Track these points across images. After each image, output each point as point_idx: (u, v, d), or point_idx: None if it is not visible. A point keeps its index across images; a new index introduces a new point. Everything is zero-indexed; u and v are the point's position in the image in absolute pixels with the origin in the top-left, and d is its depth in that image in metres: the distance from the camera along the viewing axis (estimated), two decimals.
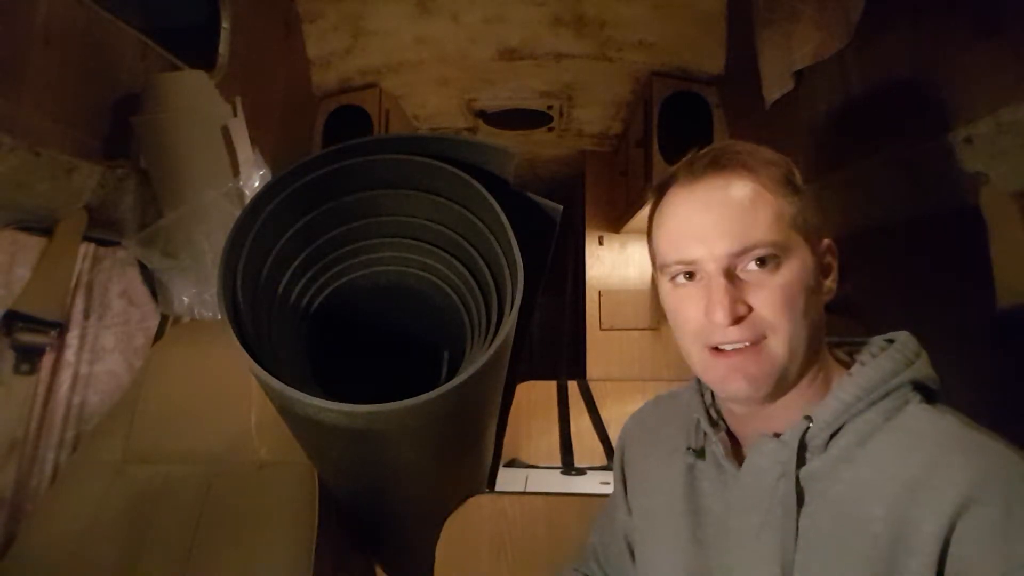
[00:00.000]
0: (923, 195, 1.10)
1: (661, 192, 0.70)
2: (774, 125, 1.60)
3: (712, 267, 0.63)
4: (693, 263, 0.64)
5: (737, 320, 0.62)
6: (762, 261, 0.62)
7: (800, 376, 0.64)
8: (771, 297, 0.61)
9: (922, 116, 1.07)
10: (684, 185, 0.66)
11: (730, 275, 0.62)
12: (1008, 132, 0.88)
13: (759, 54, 1.55)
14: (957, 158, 0.98)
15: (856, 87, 1.29)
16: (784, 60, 1.44)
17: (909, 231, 1.15)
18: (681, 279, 0.66)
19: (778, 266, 0.62)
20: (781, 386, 0.64)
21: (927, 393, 0.63)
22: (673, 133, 2.14)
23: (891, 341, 0.67)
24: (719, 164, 0.65)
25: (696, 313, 0.64)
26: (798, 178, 0.66)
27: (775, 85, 1.49)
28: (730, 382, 0.64)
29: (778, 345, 0.62)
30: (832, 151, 1.38)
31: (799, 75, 1.43)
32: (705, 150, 0.67)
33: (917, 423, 0.60)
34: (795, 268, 0.62)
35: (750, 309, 0.62)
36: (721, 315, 0.61)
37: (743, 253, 0.62)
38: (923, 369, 0.63)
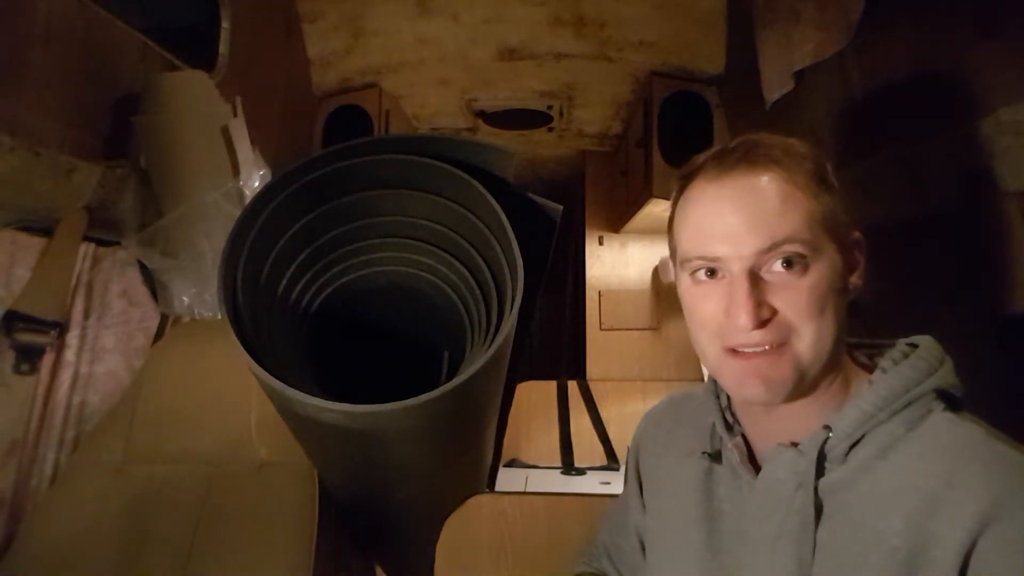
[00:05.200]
0: (923, 195, 1.10)
1: (686, 182, 0.66)
2: (774, 125, 1.60)
3: (737, 267, 0.60)
4: (717, 260, 0.62)
5: (761, 324, 0.59)
6: (789, 263, 0.59)
7: (820, 380, 0.63)
8: (798, 299, 0.59)
9: (922, 116, 1.07)
10: (712, 179, 0.63)
11: (755, 275, 0.60)
12: (1008, 132, 0.88)
13: (759, 54, 1.55)
14: (957, 158, 0.98)
15: (856, 87, 1.29)
16: (784, 60, 1.44)
17: (909, 231, 1.15)
18: (702, 275, 0.63)
19: (806, 268, 0.59)
20: (799, 389, 0.62)
21: (951, 401, 0.61)
22: (673, 133, 2.14)
23: (913, 346, 0.65)
24: (750, 159, 0.62)
25: (716, 312, 0.62)
26: (830, 173, 0.64)
27: (775, 85, 1.49)
28: (747, 386, 0.62)
29: (803, 348, 0.60)
30: (832, 151, 1.38)
31: (799, 75, 1.43)
32: (735, 143, 0.64)
33: (939, 433, 0.59)
34: (823, 270, 0.60)
35: (775, 312, 0.60)
36: (745, 319, 0.59)
37: (771, 251, 0.59)
38: (947, 376, 0.61)
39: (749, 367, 0.61)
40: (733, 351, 0.62)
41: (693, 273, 0.64)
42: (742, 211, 0.61)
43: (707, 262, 0.63)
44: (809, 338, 0.60)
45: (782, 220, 0.59)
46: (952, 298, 1.04)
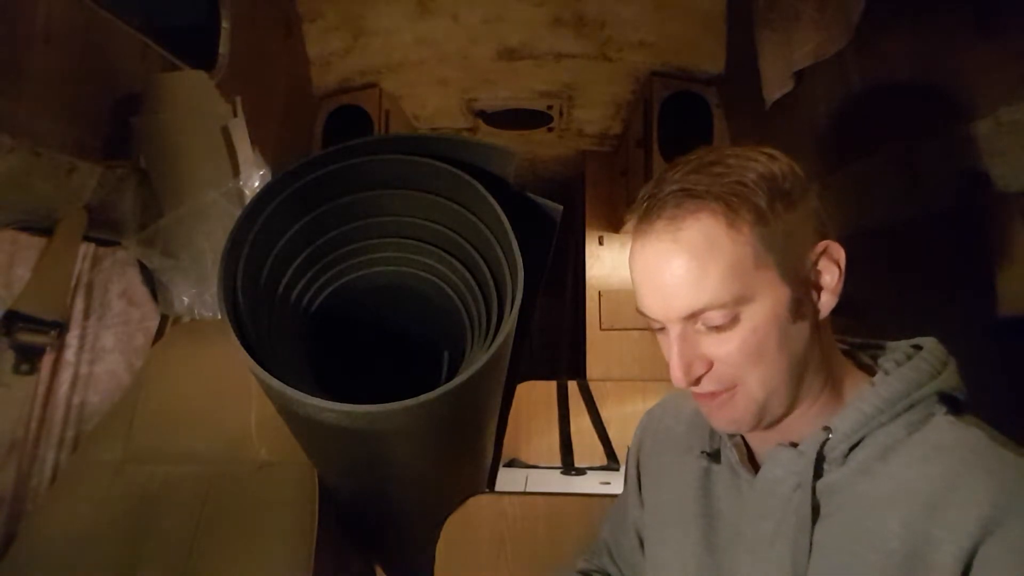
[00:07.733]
0: (923, 195, 1.10)
1: (630, 220, 0.65)
2: (774, 125, 1.60)
3: (669, 327, 0.61)
4: (655, 321, 0.63)
5: (696, 380, 0.61)
6: (712, 326, 0.59)
7: (794, 400, 0.62)
8: (731, 352, 0.59)
9: (922, 116, 1.07)
10: (641, 233, 0.62)
11: (687, 332, 0.60)
12: (1008, 132, 0.88)
13: (759, 54, 1.55)
14: (957, 158, 0.98)
15: (856, 87, 1.29)
16: (784, 60, 1.44)
17: (909, 231, 1.15)
18: (655, 324, 0.64)
19: (736, 321, 0.58)
20: (769, 418, 0.63)
21: (954, 404, 0.60)
22: (673, 133, 2.14)
23: (917, 347, 0.64)
24: (673, 205, 0.59)
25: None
26: (779, 189, 0.59)
27: (775, 85, 1.49)
28: (713, 420, 0.65)
29: (753, 389, 0.60)
30: (832, 151, 1.38)
31: (799, 75, 1.43)
32: (665, 182, 0.61)
33: (941, 436, 0.58)
34: (760, 312, 0.58)
35: (711, 364, 0.60)
36: (677, 377, 0.61)
37: (692, 317, 0.59)
38: (950, 379, 0.61)
39: (710, 406, 0.64)
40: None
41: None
42: (664, 272, 0.60)
43: (649, 319, 0.64)
44: (755, 381, 0.60)
45: (703, 279, 0.58)
46: (952, 298, 1.04)
